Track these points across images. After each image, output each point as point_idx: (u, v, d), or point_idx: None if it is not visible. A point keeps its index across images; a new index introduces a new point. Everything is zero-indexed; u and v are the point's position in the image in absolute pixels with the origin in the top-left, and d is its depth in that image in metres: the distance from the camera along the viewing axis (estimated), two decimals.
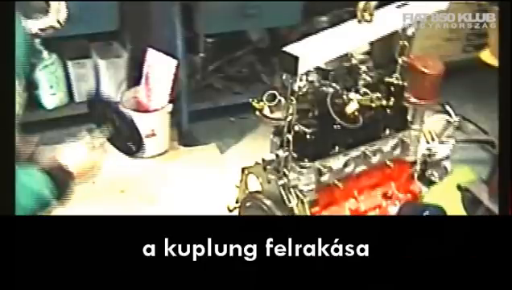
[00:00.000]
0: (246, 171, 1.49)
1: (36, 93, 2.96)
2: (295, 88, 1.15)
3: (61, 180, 1.06)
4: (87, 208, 2.77)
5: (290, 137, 1.22)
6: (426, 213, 1.36)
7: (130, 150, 1.35)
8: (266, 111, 1.34)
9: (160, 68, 3.07)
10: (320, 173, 1.30)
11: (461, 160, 1.83)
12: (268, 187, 1.38)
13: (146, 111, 3.11)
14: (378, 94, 1.37)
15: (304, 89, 1.25)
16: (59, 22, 1.28)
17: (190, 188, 2.95)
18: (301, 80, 1.23)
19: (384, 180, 1.50)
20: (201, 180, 3.01)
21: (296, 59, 1.09)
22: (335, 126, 1.27)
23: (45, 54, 2.75)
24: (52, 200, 1.04)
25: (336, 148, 1.32)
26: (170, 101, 3.07)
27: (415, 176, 1.51)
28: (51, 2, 1.25)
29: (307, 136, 1.27)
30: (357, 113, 1.29)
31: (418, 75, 1.32)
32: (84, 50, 3.20)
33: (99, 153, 1.27)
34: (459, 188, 2.89)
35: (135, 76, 3.19)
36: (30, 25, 1.15)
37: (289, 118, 1.20)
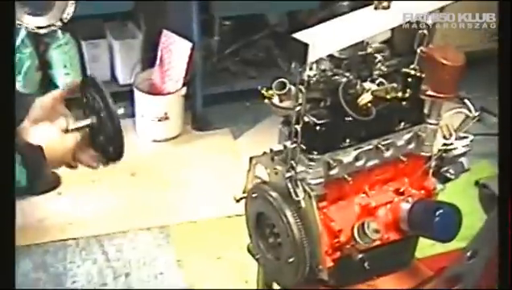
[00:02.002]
0: (254, 161, 1.43)
1: (50, 72, 2.94)
2: (305, 77, 1.09)
3: (32, 161, 0.99)
4: (97, 190, 2.78)
5: (298, 128, 1.16)
6: (439, 212, 1.30)
7: (107, 152, 1.23)
8: (276, 100, 1.28)
9: (175, 50, 3.03)
10: (329, 167, 1.24)
11: (480, 154, 1.76)
12: (275, 178, 1.33)
13: (160, 94, 3.07)
14: (394, 85, 1.30)
15: (315, 78, 1.18)
16: (61, 20, 1.20)
17: (201, 173, 2.93)
18: (311, 68, 1.17)
19: (397, 176, 1.43)
20: (213, 166, 2.98)
21: (306, 46, 1.03)
22: (346, 117, 1.20)
23: (59, 33, 2.73)
24: (22, 182, 0.96)
25: (347, 141, 1.25)
26: (184, 85, 3.04)
27: (430, 172, 1.44)
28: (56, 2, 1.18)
29: (317, 127, 1.21)
30: (370, 105, 1.22)
31: (436, 66, 1.25)
32: (98, 30, 3.17)
33: (71, 138, 1.19)
34: (476, 184, 2.81)
35: (150, 58, 3.16)
36: (27, 20, 1.09)
37: (298, 108, 1.14)
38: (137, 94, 3.02)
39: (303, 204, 1.27)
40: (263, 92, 1.29)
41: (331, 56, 1.28)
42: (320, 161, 1.24)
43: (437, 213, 1.30)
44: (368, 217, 1.36)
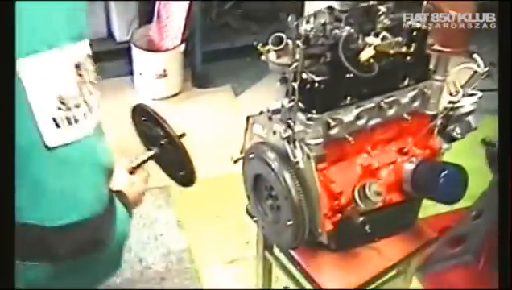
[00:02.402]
0: (251, 120, 1.37)
1: None
2: (302, 31, 1.02)
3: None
4: None
5: (295, 85, 1.10)
6: (444, 173, 1.24)
7: (178, 178, 1.18)
8: (272, 56, 1.20)
9: (173, 4, 2.92)
10: (328, 126, 1.18)
11: (488, 110, 1.69)
12: (273, 138, 1.27)
13: (158, 50, 2.98)
14: (399, 39, 1.22)
15: (313, 33, 1.10)
16: None
17: (202, 131, 2.86)
18: (308, 22, 1.09)
19: (400, 135, 1.37)
20: (214, 124, 2.92)
21: None
22: (347, 74, 1.13)
23: None
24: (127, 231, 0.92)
25: (348, 99, 1.18)
26: (182, 41, 2.94)
27: (435, 130, 1.38)
28: None
29: (316, 85, 1.14)
30: (372, 61, 1.15)
31: (444, 18, 1.17)
32: None
33: (140, 179, 1.12)
34: (483, 141, 2.75)
35: (147, 13, 3.05)
36: None
37: (295, 64, 1.07)
38: (134, 51, 2.94)
39: (301, 165, 1.22)
40: (259, 47, 1.22)
41: (331, 9, 1.20)
42: (318, 120, 1.18)
43: (442, 174, 1.24)
44: (370, 179, 1.31)
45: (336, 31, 1.17)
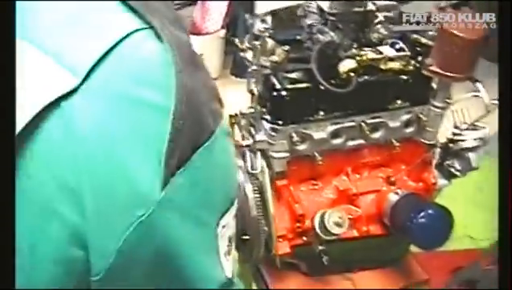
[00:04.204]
0: (233, 120, 1.26)
1: None
2: (255, 31, 0.89)
3: None
4: None
5: (255, 91, 0.98)
6: (424, 213, 1.08)
7: None
8: (249, 55, 1.09)
9: None
10: (294, 140, 1.05)
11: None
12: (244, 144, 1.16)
13: (199, 33, 2.91)
14: (394, 54, 1.07)
15: (267, 33, 0.97)
16: None
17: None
18: (264, 21, 0.96)
19: (391, 162, 1.21)
20: None
21: None
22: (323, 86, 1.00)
23: None
24: None
25: (321, 114, 1.05)
26: (223, 26, 2.85)
27: (433, 163, 1.21)
28: None
29: (283, 93, 1.01)
30: (352, 74, 1.00)
31: (447, 37, 1.00)
32: None
33: None
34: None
35: None
36: None
37: (254, 67, 0.95)
38: None
39: (260, 178, 1.10)
40: (236, 42, 1.10)
41: (321, 10, 1.06)
42: (283, 133, 1.05)
43: (422, 213, 1.08)
44: (345, 205, 1.18)
45: (319, 35, 1.04)
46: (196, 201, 0.47)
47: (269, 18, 0.95)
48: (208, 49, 2.91)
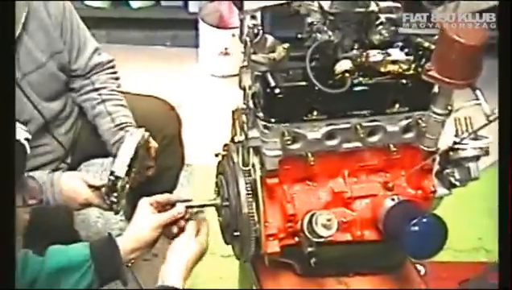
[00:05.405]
0: (235, 116, 1.26)
1: None
2: (245, 28, 0.89)
3: None
4: None
5: (247, 88, 0.97)
6: (417, 221, 1.06)
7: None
8: (249, 51, 1.08)
9: None
10: (286, 139, 1.04)
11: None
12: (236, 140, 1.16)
13: (225, 27, 2.92)
14: (394, 57, 1.05)
15: (256, 30, 0.96)
16: None
17: None
18: (254, 17, 0.95)
19: (390, 167, 1.19)
20: None
21: None
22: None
23: None
24: None
25: (315, 114, 1.04)
26: None
27: (433, 171, 1.18)
28: None
29: (276, 91, 1.01)
30: (346, 75, 0.99)
31: (446, 42, 0.97)
32: None
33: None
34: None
35: None
36: None
37: (245, 63, 0.95)
38: (200, 25, 2.89)
39: (252, 175, 1.09)
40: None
41: (321, 8, 1.05)
42: (276, 131, 1.04)
43: (414, 221, 1.06)
44: (339, 208, 1.17)
45: (318, 34, 1.03)
46: None
47: (258, 15, 0.95)
48: (233, 44, 2.90)
